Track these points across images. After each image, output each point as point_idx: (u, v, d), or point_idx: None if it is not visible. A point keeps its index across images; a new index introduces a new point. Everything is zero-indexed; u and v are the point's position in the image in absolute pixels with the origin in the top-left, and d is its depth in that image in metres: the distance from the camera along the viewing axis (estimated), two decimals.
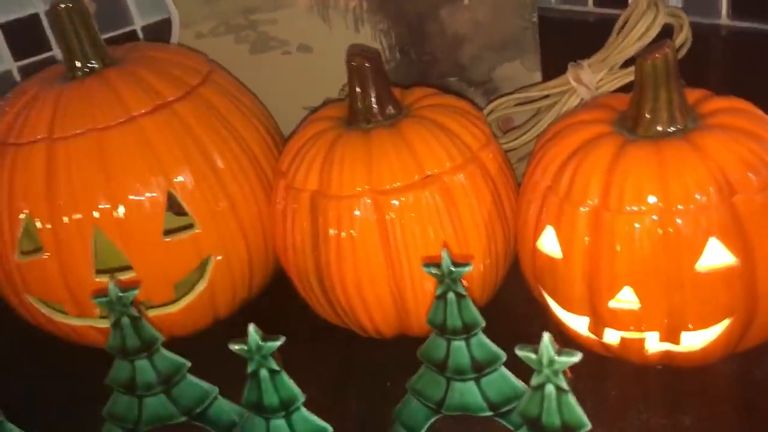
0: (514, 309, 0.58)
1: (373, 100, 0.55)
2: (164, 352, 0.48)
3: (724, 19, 0.62)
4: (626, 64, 0.61)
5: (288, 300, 0.60)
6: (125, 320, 0.46)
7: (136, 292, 0.46)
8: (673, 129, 0.47)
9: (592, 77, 0.61)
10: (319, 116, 0.59)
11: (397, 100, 0.57)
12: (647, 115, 0.47)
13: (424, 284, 0.52)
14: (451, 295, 0.42)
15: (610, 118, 0.50)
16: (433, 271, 0.41)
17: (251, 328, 0.41)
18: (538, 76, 0.74)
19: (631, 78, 0.61)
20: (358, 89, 0.55)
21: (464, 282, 0.41)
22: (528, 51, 0.74)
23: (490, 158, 0.55)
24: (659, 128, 0.47)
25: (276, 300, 0.62)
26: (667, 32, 0.60)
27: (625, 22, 0.62)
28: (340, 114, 0.58)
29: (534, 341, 0.56)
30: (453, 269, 0.41)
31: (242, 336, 0.42)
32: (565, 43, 0.74)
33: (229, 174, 0.58)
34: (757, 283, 0.45)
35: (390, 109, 0.56)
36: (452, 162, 0.53)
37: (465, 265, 0.41)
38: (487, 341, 0.43)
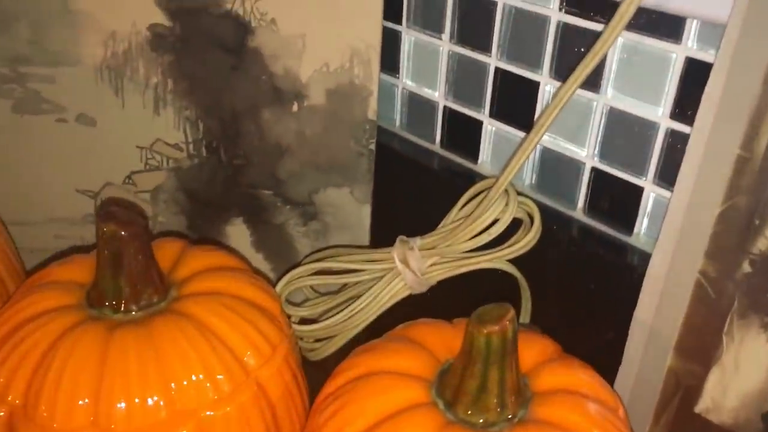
0: None
1: (125, 285, 0.40)
2: None
3: (578, 212, 0.53)
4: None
5: None
6: None
7: None
8: (502, 419, 0.37)
9: (422, 263, 0.50)
10: (57, 278, 0.43)
11: (163, 278, 0.42)
12: (465, 397, 0.36)
13: None
14: None
15: (425, 374, 0.39)
16: None
17: None
18: (366, 210, 0.63)
19: (468, 269, 0.51)
20: (107, 268, 0.40)
21: None
22: (360, 180, 0.62)
23: (273, 376, 0.42)
24: (473, 419, 0.36)
25: None
26: (515, 223, 0.51)
27: (470, 199, 0.52)
28: (87, 280, 0.42)
29: None
30: None
31: None
32: (403, 179, 0.62)
33: None
34: None
35: (149, 297, 0.41)
36: (216, 393, 0.39)
37: None
38: None
